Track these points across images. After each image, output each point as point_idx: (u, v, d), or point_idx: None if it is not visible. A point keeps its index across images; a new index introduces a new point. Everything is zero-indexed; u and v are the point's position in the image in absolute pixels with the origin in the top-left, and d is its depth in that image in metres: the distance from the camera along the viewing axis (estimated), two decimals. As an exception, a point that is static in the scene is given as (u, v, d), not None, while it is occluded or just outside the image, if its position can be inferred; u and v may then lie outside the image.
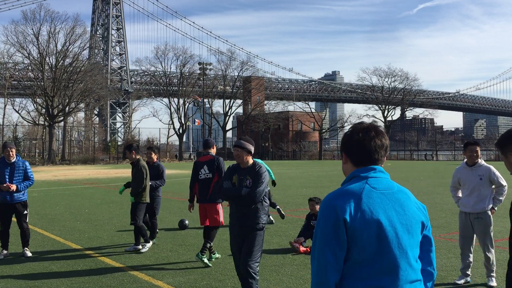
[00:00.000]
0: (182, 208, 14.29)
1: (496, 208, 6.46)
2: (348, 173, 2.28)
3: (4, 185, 7.86)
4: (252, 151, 5.33)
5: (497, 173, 6.39)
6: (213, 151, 7.86)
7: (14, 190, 7.89)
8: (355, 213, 2.07)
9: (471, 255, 6.53)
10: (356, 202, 2.09)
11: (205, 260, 7.34)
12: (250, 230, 5.07)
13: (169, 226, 11.08)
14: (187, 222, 10.85)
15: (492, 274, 6.31)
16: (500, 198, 6.43)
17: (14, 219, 8.26)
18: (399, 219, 2.14)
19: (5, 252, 8.19)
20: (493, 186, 6.42)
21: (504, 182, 6.38)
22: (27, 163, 8.23)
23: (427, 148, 79.44)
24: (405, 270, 2.12)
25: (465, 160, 6.64)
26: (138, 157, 8.72)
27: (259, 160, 10.94)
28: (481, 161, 6.51)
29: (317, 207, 8.77)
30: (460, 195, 6.74)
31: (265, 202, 5.21)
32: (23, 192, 8.14)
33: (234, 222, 5.18)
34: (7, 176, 7.93)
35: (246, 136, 5.54)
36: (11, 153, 7.97)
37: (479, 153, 6.47)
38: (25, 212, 8.20)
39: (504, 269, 7.02)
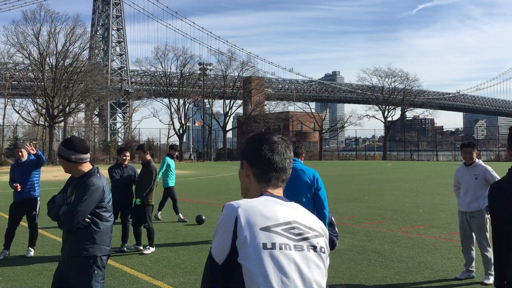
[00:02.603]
0: (182, 208, 14.27)
1: None
2: None
3: (14, 184, 8.08)
4: (82, 158, 3.85)
5: (494, 173, 6.47)
6: None
7: (34, 152, 7.97)
8: None
9: (473, 252, 6.66)
10: None
11: None
12: (72, 262, 3.72)
13: (169, 227, 11.08)
14: (204, 217, 11.31)
15: (489, 272, 6.34)
16: None
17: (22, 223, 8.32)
18: (290, 181, 4.09)
19: (6, 252, 8.21)
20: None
21: None
22: (38, 151, 8.34)
23: (427, 149, 79.45)
24: None
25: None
26: (149, 157, 8.77)
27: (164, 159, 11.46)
28: (479, 161, 6.64)
29: None
30: None
31: (96, 226, 3.76)
32: (34, 188, 8.24)
33: (62, 248, 3.91)
34: (19, 176, 8.11)
35: (75, 136, 4.13)
36: (21, 153, 8.17)
37: (474, 154, 6.61)
38: (34, 212, 8.30)
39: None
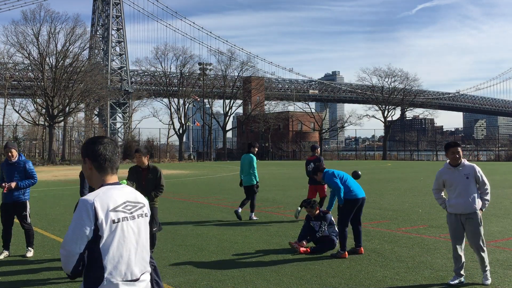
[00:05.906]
0: (182, 208, 14.29)
1: (484, 209, 6.47)
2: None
3: (3, 184, 7.90)
4: None
5: (481, 171, 6.43)
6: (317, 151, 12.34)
7: (13, 187, 7.89)
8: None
9: (463, 256, 6.49)
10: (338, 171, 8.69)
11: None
12: None
13: (169, 227, 11.08)
14: (359, 172, 10.42)
15: (486, 272, 6.32)
16: (487, 198, 6.45)
17: (17, 220, 8.29)
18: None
19: (6, 252, 8.20)
20: (477, 186, 6.42)
21: (487, 182, 6.41)
22: (29, 163, 8.19)
23: (427, 149, 79.38)
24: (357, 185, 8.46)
25: (448, 161, 6.59)
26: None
27: (252, 156, 12.29)
28: (464, 161, 6.50)
29: (313, 210, 8.75)
30: (444, 196, 6.73)
31: None
32: (23, 192, 8.12)
33: None
34: (8, 176, 7.96)
35: None
36: (11, 153, 8.01)
37: (461, 153, 6.46)
38: (24, 213, 8.16)
39: (504, 268, 7.03)
